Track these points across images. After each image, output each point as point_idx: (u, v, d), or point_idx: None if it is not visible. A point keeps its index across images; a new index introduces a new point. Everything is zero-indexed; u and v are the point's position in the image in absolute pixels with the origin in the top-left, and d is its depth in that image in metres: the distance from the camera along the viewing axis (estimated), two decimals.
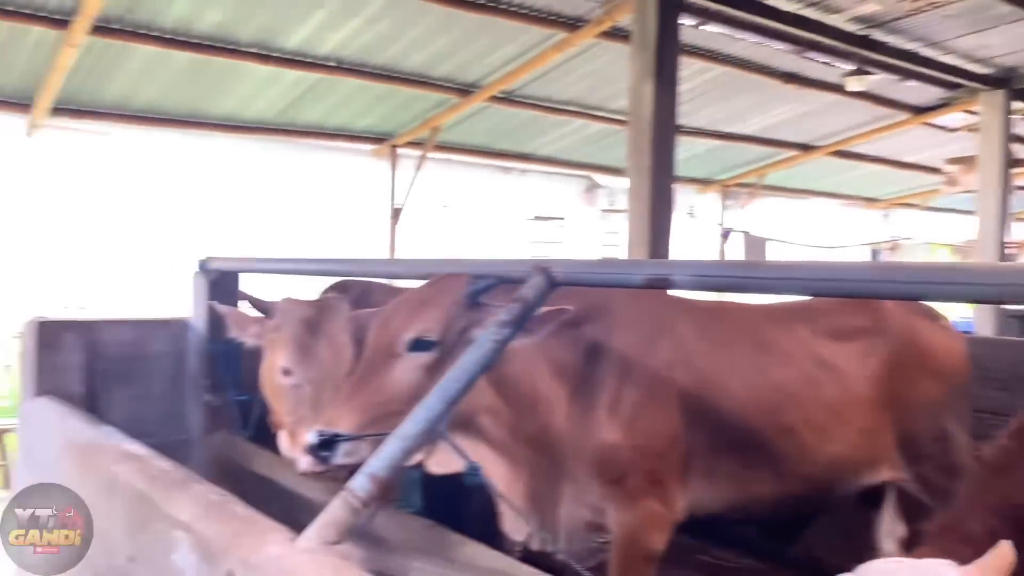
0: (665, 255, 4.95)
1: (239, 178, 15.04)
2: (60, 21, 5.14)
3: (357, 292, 3.11)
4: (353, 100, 7.01)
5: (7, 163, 12.65)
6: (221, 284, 3.60)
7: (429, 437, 1.74)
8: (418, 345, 2.02)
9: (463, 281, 2.07)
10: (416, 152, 8.27)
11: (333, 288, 3.30)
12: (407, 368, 2.02)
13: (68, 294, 12.69)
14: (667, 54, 4.99)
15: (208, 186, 14.50)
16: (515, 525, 2.27)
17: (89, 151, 13.92)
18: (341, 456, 1.95)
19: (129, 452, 2.46)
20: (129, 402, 3.55)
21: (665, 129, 5.01)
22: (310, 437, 1.98)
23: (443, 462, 2.09)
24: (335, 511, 1.67)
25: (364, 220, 14.37)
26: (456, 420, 1.92)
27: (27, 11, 5.04)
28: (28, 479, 3.44)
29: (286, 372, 2.55)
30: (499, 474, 2.18)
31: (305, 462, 2.41)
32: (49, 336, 3.36)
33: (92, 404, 3.44)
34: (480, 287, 2.03)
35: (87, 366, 3.45)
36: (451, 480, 2.08)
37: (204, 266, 3.59)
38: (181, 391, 3.65)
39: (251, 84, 6.45)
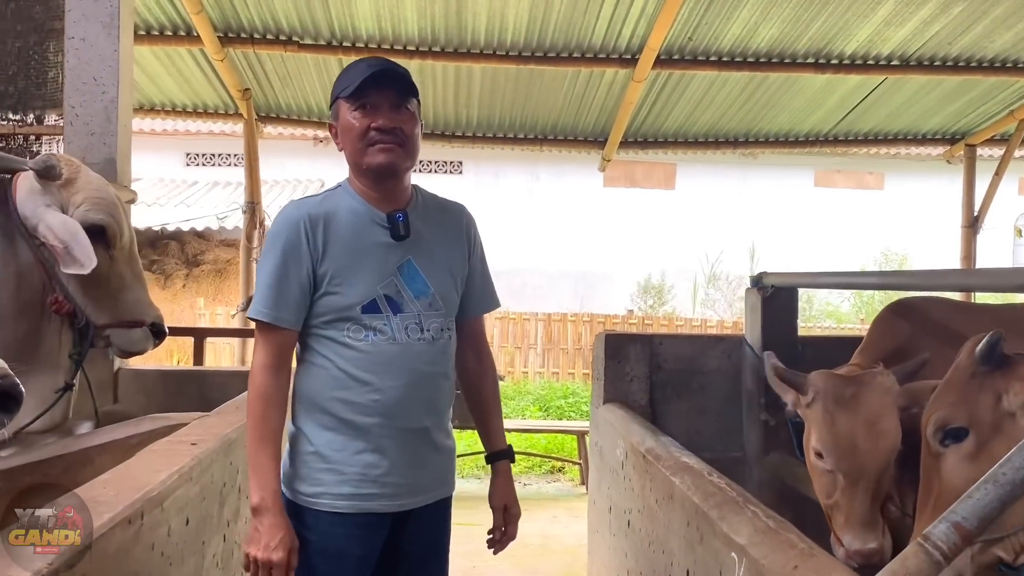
0: None
1: (792, 201, 15.10)
2: (628, 60, 5.61)
3: (922, 313, 2.73)
4: (920, 99, 6.36)
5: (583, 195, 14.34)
6: (776, 300, 3.50)
7: None
8: (949, 436, 1.74)
9: (972, 346, 1.75)
10: (998, 151, 7.21)
11: (894, 307, 2.93)
12: (951, 465, 1.75)
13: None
14: None
15: (760, 211, 14.88)
16: None
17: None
18: None
19: (686, 464, 2.48)
20: (686, 414, 3.66)
21: None
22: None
23: None
24: (910, 559, 1.42)
25: (934, 232, 13.13)
26: None
27: (601, 55, 5.61)
28: (597, 478, 3.78)
29: (817, 454, 2.32)
30: None
31: (840, 553, 2.19)
32: (616, 348, 3.63)
33: (653, 413, 3.63)
34: (987, 347, 1.69)
35: (649, 377, 3.65)
36: None
37: (757, 282, 3.53)
38: (737, 408, 3.64)
39: (807, 96, 6.27)
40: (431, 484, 2.00)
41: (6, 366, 1.35)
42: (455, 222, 2.07)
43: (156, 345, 2.69)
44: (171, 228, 11.73)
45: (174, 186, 14.29)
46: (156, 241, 12.06)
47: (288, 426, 1.95)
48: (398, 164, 1.91)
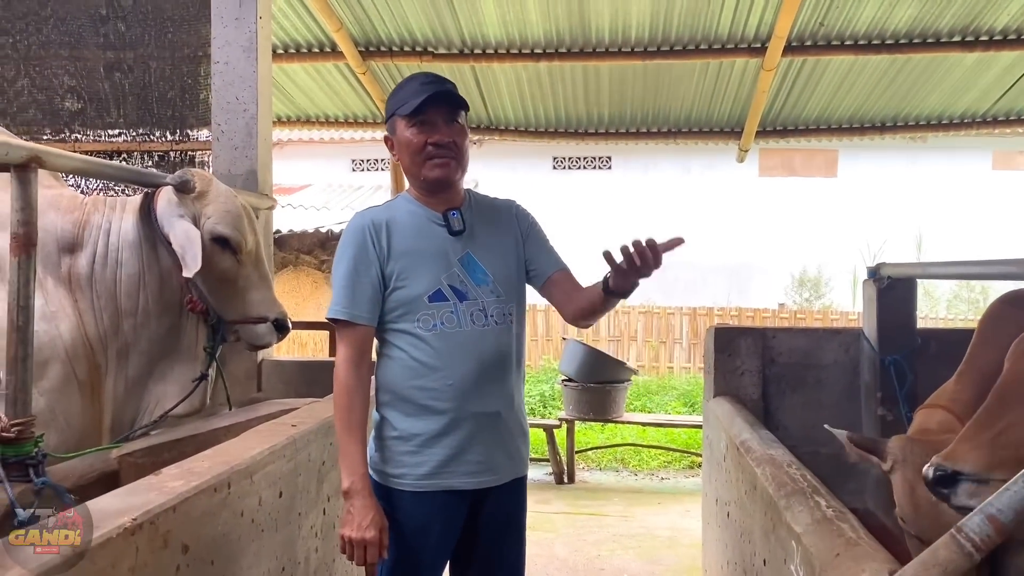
0: None
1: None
2: (757, 49, 5.51)
3: None
4: None
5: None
6: (893, 291, 3.39)
7: None
8: None
9: None
10: None
11: (1005, 301, 2.75)
12: None
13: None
14: None
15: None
16: None
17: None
18: (963, 497, 1.65)
19: (770, 456, 2.49)
20: (801, 409, 3.60)
21: None
22: (926, 471, 1.71)
23: None
24: (941, 551, 1.42)
25: None
26: None
27: (729, 45, 5.54)
28: (707, 470, 3.78)
29: (901, 519, 2.25)
30: None
31: None
32: (727, 341, 3.62)
33: (766, 407, 3.60)
34: None
35: (762, 371, 3.62)
36: None
37: (874, 273, 3.43)
38: (856, 403, 3.55)
39: (956, 76, 5.89)
40: (505, 464, 2.13)
41: None
42: (505, 215, 2.22)
43: (280, 339, 2.97)
44: (337, 230, 12.49)
45: (341, 190, 15.16)
46: (326, 242, 12.85)
47: (373, 414, 2.14)
48: (452, 176, 2.09)
